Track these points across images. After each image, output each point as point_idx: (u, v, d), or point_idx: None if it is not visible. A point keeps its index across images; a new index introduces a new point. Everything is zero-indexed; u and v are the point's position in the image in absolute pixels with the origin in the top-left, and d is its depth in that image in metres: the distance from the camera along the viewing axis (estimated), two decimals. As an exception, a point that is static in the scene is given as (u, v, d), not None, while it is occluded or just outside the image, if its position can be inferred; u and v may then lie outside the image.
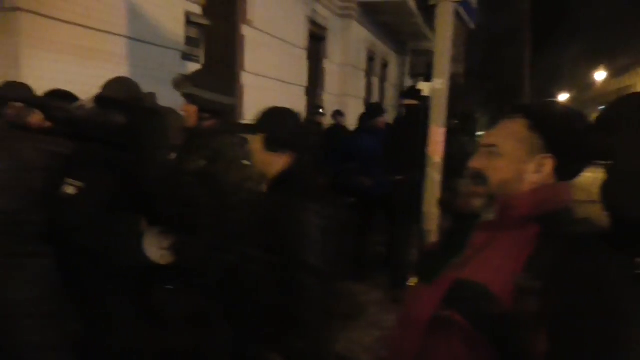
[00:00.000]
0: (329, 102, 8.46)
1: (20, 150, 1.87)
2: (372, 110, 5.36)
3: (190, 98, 2.11)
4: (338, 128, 7.39)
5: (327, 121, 7.56)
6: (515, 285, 0.91)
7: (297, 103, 7.55)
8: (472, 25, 4.14)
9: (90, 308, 2.07)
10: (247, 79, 5.99)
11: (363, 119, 5.27)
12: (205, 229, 2.11)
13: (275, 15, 6.51)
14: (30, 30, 3.17)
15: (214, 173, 2.08)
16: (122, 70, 3.87)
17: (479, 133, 5.36)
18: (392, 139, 4.27)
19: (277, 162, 1.64)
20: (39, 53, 3.21)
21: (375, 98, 11.45)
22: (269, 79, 6.38)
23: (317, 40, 8.21)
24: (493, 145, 1.06)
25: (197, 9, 4.88)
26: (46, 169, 1.96)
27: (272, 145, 1.64)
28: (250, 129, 1.70)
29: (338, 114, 7.52)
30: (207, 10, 5.06)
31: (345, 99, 9.22)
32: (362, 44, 10.00)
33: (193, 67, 4.86)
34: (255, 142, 1.67)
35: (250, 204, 2.04)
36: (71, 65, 3.42)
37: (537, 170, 1.01)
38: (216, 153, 2.10)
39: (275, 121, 1.68)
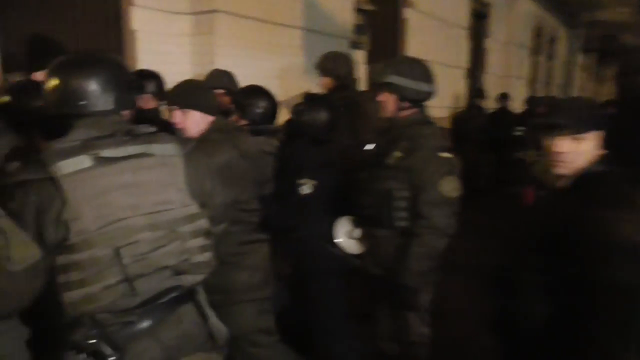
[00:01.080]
0: (491, 84, 7.87)
1: (241, 142, 1.97)
2: None
3: (390, 87, 2.03)
4: (504, 112, 6.84)
5: (491, 105, 7.04)
6: None
7: (457, 86, 7.14)
8: None
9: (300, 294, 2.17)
10: (409, 64, 5.82)
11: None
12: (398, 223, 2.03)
13: (437, -5, 6.22)
14: (224, 29, 3.43)
15: (411, 166, 1.99)
16: (298, 61, 4.01)
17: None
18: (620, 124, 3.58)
19: (585, 158, 1.43)
20: (230, 50, 3.47)
21: (541, 78, 10.36)
22: (430, 63, 6.12)
23: (479, 18, 7.66)
24: None
25: (363, -4, 4.86)
26: (260, 162, 2.06)
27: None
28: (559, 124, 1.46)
29: (503, 97, 6.95)
30: (372, -4, 5.01)
31: (509, 80, 8.50)
32: (529, 19, 9.08)
33: (360, 54, 4.86)
34: (563, 138, 1.43)
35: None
36: (256, 59, 3.64)
37: None
38: (413, 144, 2.00)
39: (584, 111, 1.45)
